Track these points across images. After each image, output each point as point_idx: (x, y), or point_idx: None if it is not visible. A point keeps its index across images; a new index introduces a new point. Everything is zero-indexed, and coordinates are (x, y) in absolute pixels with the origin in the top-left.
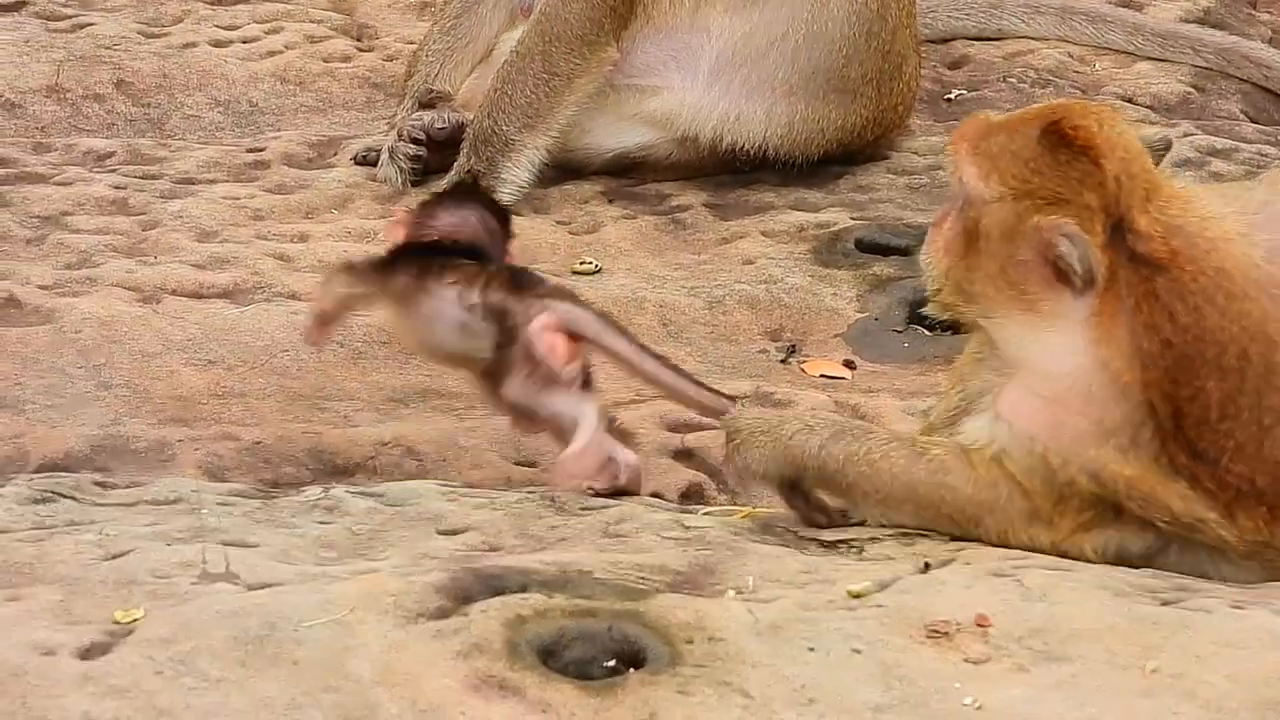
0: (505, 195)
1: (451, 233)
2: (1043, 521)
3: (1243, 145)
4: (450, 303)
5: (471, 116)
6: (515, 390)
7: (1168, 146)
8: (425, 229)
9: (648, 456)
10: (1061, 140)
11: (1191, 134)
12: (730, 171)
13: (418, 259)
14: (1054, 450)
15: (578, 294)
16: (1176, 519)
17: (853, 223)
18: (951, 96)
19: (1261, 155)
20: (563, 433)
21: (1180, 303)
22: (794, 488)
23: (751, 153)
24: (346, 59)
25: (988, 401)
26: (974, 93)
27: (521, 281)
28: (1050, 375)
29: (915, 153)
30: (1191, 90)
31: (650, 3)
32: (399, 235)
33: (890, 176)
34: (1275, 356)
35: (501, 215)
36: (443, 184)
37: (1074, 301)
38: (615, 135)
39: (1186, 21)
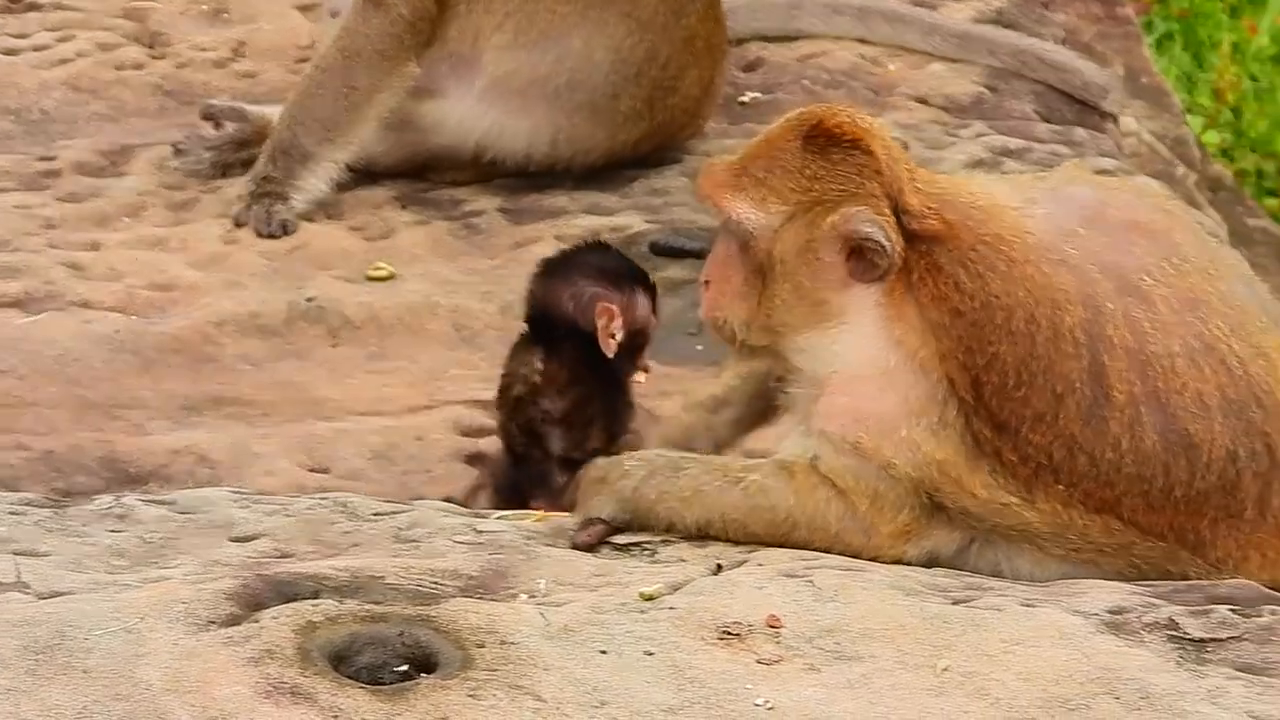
0: (299, 205)
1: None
2: (861, 528)
3: (1035, 145)
4: None
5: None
6: None
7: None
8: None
9: (441, 461)
10: (830, 140)
11: (985, 134)
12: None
13: None
14: (866, 442)
15: None
16: (983, 505)
17: (646, 226)
18: (746, 99)
19: (1054, 155)
20: None
21: (963, 270)
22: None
23: (513, 166)
24: (139, 66)
25: (800, 417)
26: (768, 95)
27: None
28: (855, 372)
29: (709, 155)
30: (985, 90)
31: (443, 26)
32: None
33: (684, 179)
34: (1062, 321)
35: None
36: (237, 190)
37: (867, 293)
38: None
39: (980, 22)
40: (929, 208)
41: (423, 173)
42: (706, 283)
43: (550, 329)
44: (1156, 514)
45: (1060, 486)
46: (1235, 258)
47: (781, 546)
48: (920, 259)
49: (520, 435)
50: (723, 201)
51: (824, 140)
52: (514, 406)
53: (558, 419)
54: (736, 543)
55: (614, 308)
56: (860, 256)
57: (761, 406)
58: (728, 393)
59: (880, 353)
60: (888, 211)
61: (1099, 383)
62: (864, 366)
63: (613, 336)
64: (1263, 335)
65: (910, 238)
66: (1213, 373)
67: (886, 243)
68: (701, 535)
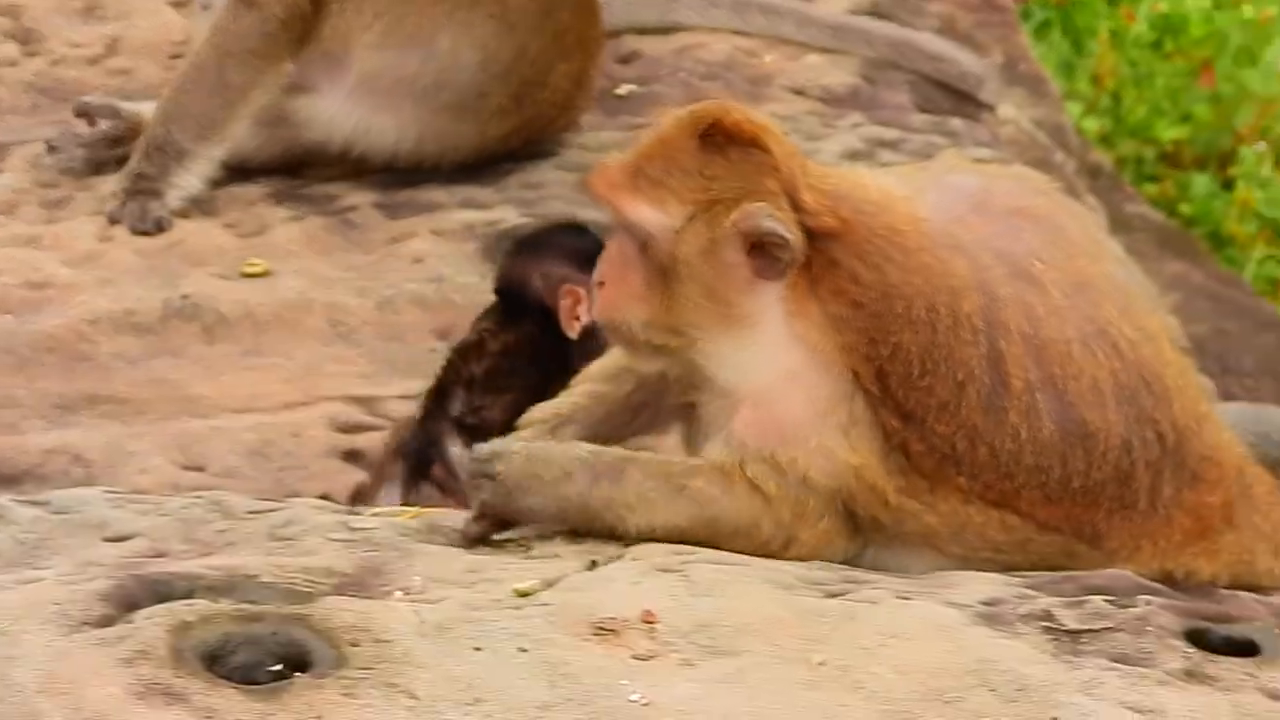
0: (173, 201)
1: None
2: (785, 535)
3: (912, 135)
4: None
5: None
6: None
7: None
8: None
9: (317, 458)
10: (728, 139)
11: (861, 125)
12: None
13: None
14: (781, 455)
15: None
16: (892, 513)
17: (522, 220)
18: (622, 92)
19: (930, 145)
20: None
21: (860, 263)
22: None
23: (381, 162)
24: (12, 64)
25: (720, 425)
26: (645, 88)
27: None
28: (765, 379)
29: (584, 148)
30: (861, 82)
31: (318, 25)
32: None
33: (559, 173)
34: (961, 309)
35: None
36: (111, 187)
37: (771, 291)
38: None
39: (856, 13)
40: (824, 203)
41: (297, 169)
42: (601, 284)
43: (518, 305)
44: (1054, 507)
45: (962, 479)
46: (1110, 242)
47: (714, 548)
48: (818, 255)
49: (432, 391)
50: (621, 203)
51: (721, 139)
52: (447, 363)
53: (466, 380)
54: (668, 541)
55: (580, 291)
56: (762, 253)
57: (606, 431)
58: (573, 411)
59: (787, 354)
60: (786, 208)
61: (997, 370)
62: (773, 372)
63: (577, 319)
64: (1149, 318)
65: (808, 234)
66: (1106, 358)
67: (788, 235)
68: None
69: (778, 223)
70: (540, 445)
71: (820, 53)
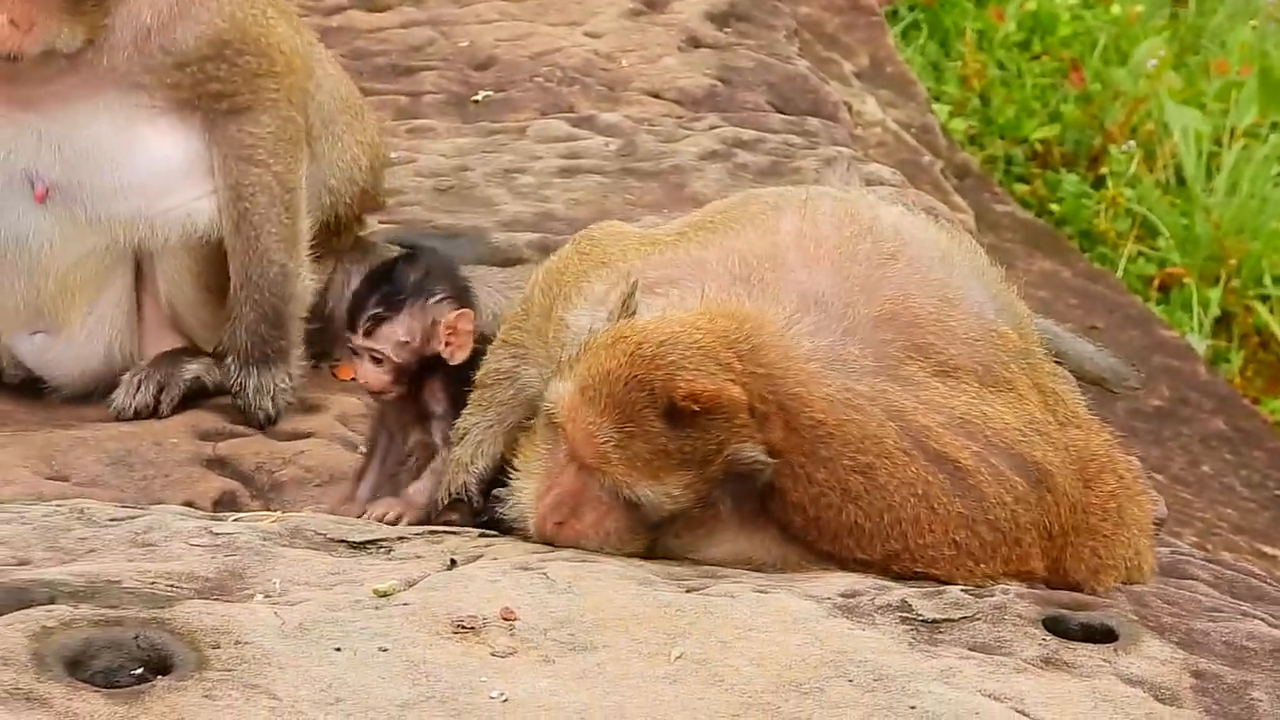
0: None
1: None
2: None
3: (769, 135)
4: None
5: None
6: None
7: None
8: None
9: (180, 465)
10: (693, 411)
11: (718, 126)
12: None
13: None
14: None
15: None
16: None
17: (381, 226)
18: (479, 98)
19: (788, 145)
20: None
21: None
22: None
23: None
24: None
25: None
26: (501, 93)
27: None
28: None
29: (443, 155)
30: (717, 83)
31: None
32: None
33: (418, 179)
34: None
35: None
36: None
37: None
38: None
39: (712, 15)
40: (775, 415)
41: None
42: (560, 524)
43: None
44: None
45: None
46: (969, 248)
47: None
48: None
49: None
50: (617, 480)
51: (685, 414)
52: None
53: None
54: None
55: (453, 319)
56: (743, 485)
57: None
58: (467, 421)
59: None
60: (756, 432)
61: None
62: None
63: (461, 347)
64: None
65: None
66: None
67: (768, 464)
68: None
69: (755, 454)
70: None
71: (676, 55)
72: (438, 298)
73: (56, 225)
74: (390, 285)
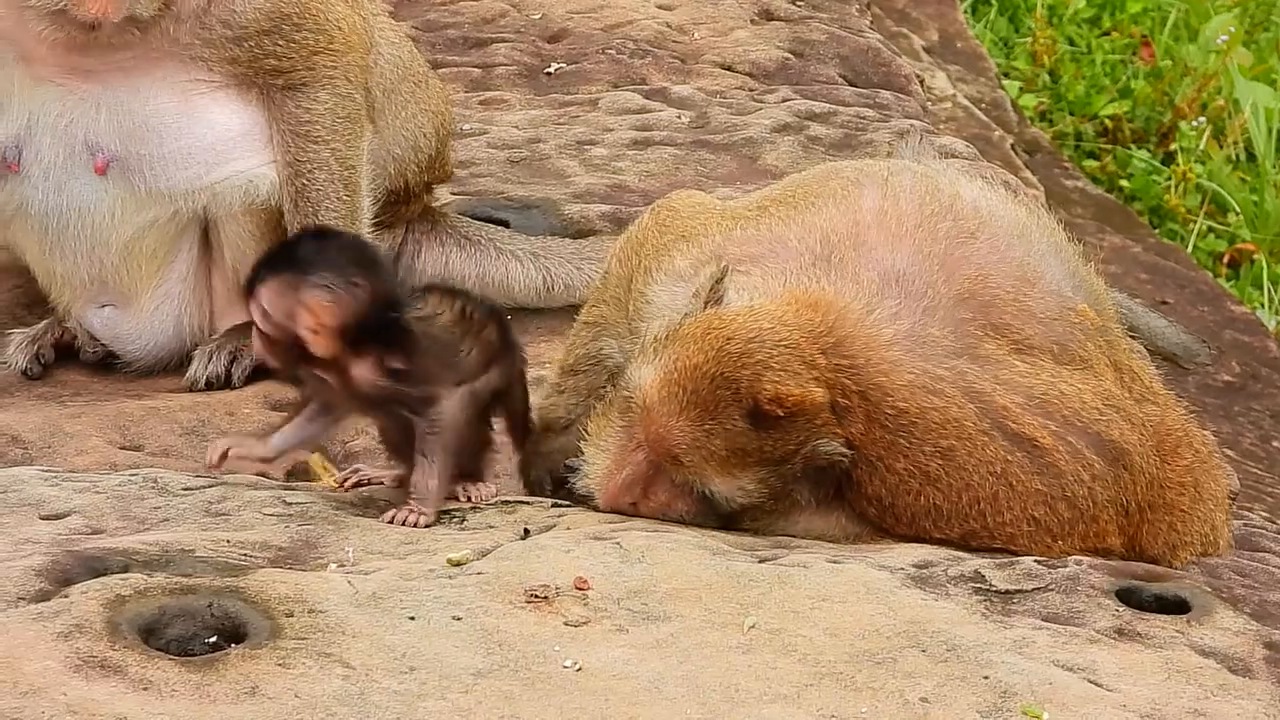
0: None
1: None
2: None
3: (841, 108)
4: None
5: None
6: None
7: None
8: None
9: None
10: (777, 413)
11: (790, 99)
12: None
13: None
14: None
15: None
16: None
17: (454, 197)
18: (551, 70)
19: (860, 118)
20: None
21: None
22: None
23: None
24: None
25: None
26: (573, 65)
27: None
28: None
29: (515, 127)
30: (789, 56)
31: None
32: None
33: (491, 151)
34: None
35: None
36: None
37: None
38: None
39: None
40: (856, 408)
41: None
42: (634, 504)
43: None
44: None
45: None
46: (1047, 224)
47: None
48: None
49: None
50: (689, 471)
51: (768, 418)
52: None
53: None
54: None
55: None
56: (822, 476)
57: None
58: (569, 411)
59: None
60: (836, 428)
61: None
62: None
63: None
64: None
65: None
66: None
67: (847, 456)
68: None
69: (835, 449)
70: None
71: (747, 26)
72: (314, 281)
73: (118, 196)
74: (283, 252)
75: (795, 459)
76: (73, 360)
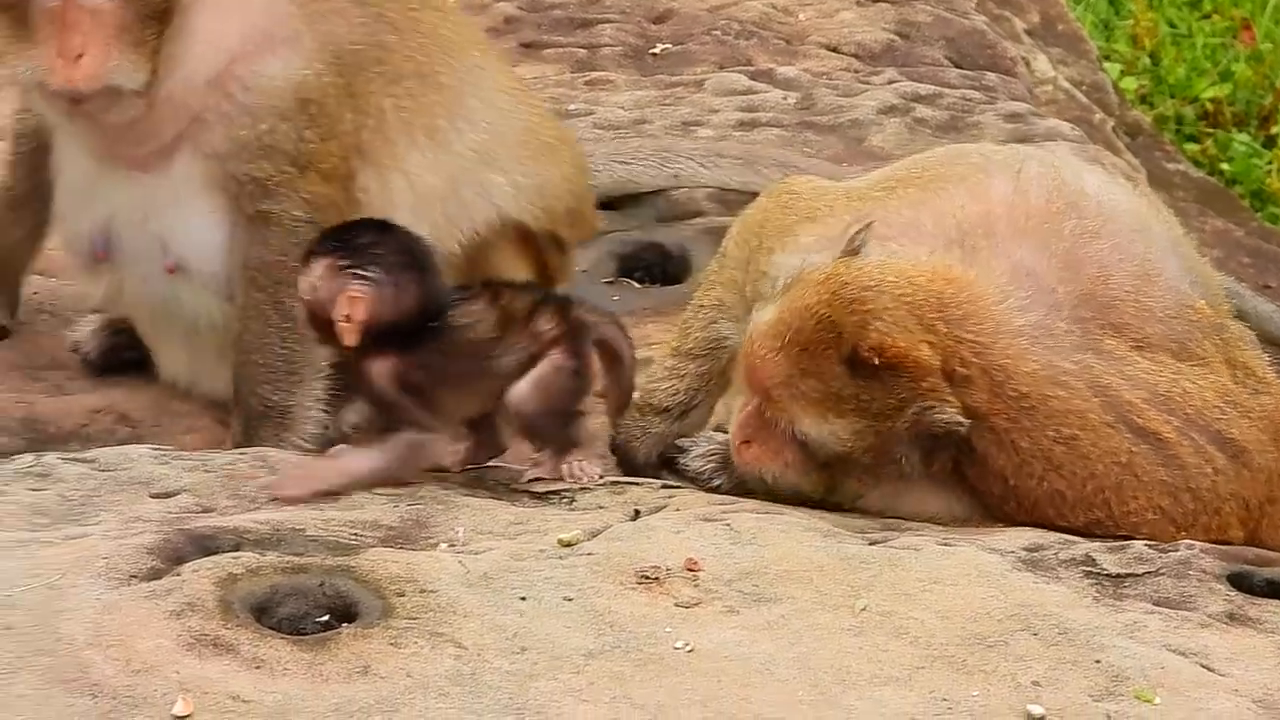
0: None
1: None
2: None
3: (947, 91)
4: None
5: None
6: None
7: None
8: None
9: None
10: (875, 363)
11: (896, 81)
12: None
13: None
14: None
15: None
16: None
17: None
18: (657, 51)
19: (966, 100)
20: None
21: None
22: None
23: None
24: None
25: None
26: (679, 46)
27: None
28: None
29: (621, 107)
30: (895, 38)
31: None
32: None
33: (597, 131)
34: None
35: None
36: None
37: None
38: None
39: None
40: (977, 378)
41: None
42: (746, 443)
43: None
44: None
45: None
46: (1165, 218)
47: None
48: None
49: None
50: (781, 410)
51: (866, 366)
52: None
53: None
54: None
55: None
56: (932, 440)
57: (715, 401)
58: (690, 396)
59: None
60: (949, 395)
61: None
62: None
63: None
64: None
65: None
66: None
67: (963, 425)
68: None
69: (950, 417)
70: None
71: (854, 9)
72: (359, 273)
73: (196, 294)
74: (344, 234)
75: (898, 418)
76: None
